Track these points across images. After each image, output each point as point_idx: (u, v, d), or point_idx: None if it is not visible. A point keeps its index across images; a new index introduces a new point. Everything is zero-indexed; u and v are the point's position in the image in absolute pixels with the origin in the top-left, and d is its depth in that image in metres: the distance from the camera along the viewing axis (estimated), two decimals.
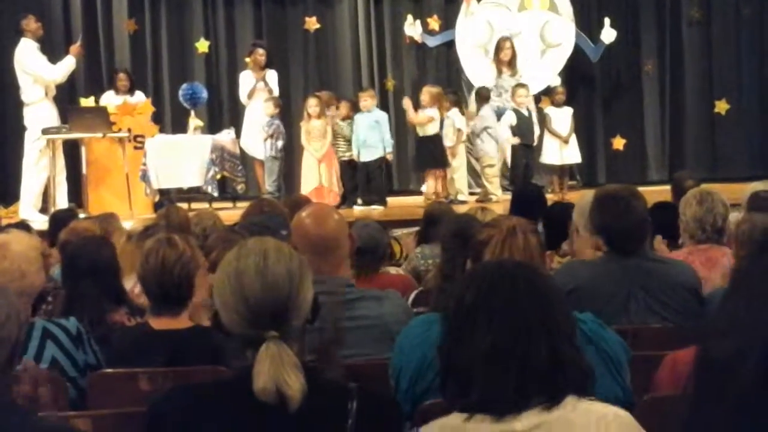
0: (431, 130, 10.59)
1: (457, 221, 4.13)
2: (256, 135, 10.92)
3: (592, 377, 1.95)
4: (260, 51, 11.20)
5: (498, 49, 11.27)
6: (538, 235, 2.85)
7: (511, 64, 11.20)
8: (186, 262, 3.33)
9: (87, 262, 3.85)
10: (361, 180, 10.65)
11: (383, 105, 11.61)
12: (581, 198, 4.36)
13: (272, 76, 11.18)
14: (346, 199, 10.66)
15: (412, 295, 4.18)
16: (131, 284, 4.14)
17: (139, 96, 11.09)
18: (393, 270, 5.17)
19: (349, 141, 10.67)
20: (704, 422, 1.14)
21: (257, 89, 11.00)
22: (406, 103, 10.87)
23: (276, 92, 11.07)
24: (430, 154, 10.62)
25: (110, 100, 10.90)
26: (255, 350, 2.03)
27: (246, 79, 11.17)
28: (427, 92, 10.76)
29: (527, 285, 1.94)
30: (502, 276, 1.96)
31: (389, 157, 10.77)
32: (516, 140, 10.76)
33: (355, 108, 10.76)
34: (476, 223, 4.02)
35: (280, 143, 10.70)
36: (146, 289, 3.41)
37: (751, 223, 4.13)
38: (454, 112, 10.71)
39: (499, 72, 11.19)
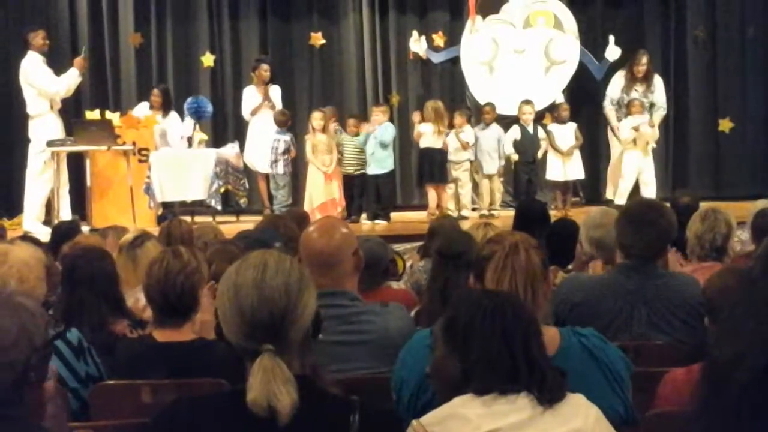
0: (430, 144, 10.61)
1: (447, 239, 4.12)
2: (261, 149, 10.97)
3: (565, 377, 2.29)
4: (264, 66, 11.26)
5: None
6: (541, 251, 2.86)
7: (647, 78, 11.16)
8: (190, 273, 3.33)
9: (86, 271, 3.86)
10: (369, 193, 10.69)
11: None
12: (588, 214, 4.41)
13: (275, 91, 11.25)
14: (351, 214, 10.69)
15: (412, 313, 4.17)
16: (131, 300, 4.14)
17: (173, 117, 11.17)
18: (395, 285, 5.16)
19: (354, 156, 10.71)
20: (706, 424, 1.19)
21: (262, 105, 11.06)
22: (417, 117, 10.95)
23: (279, 107, 11.12)
24: (428, 168, 10.64)
25: (143, 112, 10.97)
26: (253, 363, 2.03)
27: (249, 95, 11.24)
28: (424, 108, 10.84)
29: (509, 304, 2.34)
30: (488, 300, 2.34)
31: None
32: (515, 156, 10.84)
33: (361, 123, 10.82)
34: (468, 242, 4.02)
35: (288, 157, 10.83)
36: (150, 300, 3.40)
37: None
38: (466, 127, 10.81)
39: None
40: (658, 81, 11.22)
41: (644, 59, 11.07)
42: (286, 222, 5.66)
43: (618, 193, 10.95)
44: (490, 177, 10.99)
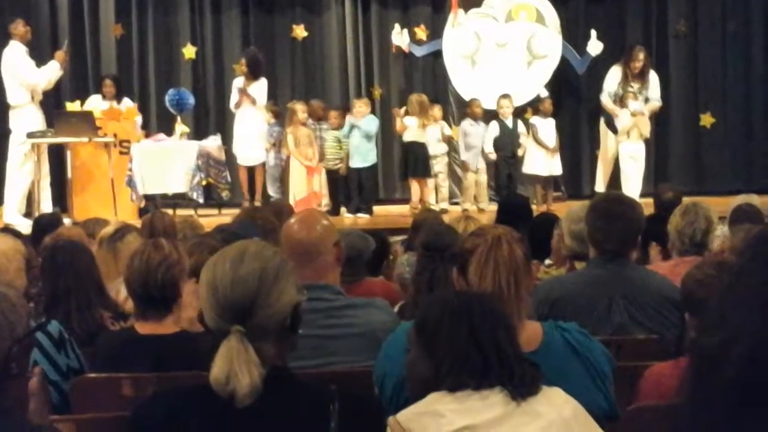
0: (413, 137, 10.61)
1: (431, 232, 4.12)
2: (242, 142, 10.96)
3: (539, 370, 2.31)
4: (242, 60, 11.25)
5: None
6: (524, 244, 2.86)
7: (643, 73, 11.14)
8: (170, 265, 3.33)
9: (67, 260, 3.84)
10: (352, 186, 10.68)
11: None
12: (571, 208, 4.43)
13: (257, 85, 11.13)
14: (334, 208, 10.69)
15: (397, 307, 4.17)
16: (113, 292, 4.12)
17: (127, 103, 11.08)
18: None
19: (337, 150, 10.71)
20: (694, 417, 1.19)
21: (242, 99, 11.02)
22: (397, 112, 10.93)
23: (259, 102, 11.04)
24: (412, 162, 10.66)
25: (96, 104, 10.88)
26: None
27: (234, 87, 11.19)
28: (408, 101, 10.85)
29: (477, 303, 2.36)
30: (458, 300, 2.38)
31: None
32: (493, 156, 10.83)
33: (343, 117, 10.82)
34: (452, 235, 4.03)
35: (279, 147, 10.83)
36: (131, 292, 3.40)
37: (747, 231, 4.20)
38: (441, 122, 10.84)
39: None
40: (653, 77, 11.22)
41: (641, 55, 11.04)
42: (264, 214, 5.66)
43: (625, 186, 10.86)
44: (477, 171, 10.99)
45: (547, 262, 4.95)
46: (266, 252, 2.17)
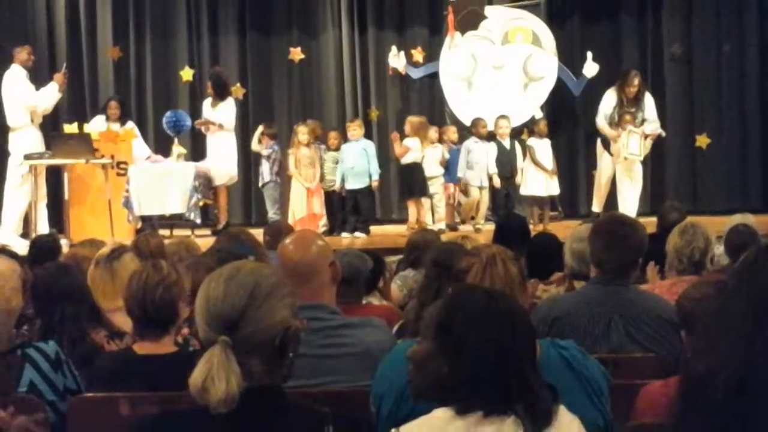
0: (412, 159, 10.64)
1: (442, 249, 4.14)
2: (217, 164, 10.91)
3: (556, 394, 2.18)
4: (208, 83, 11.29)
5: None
6: (519, 263, 2.87)
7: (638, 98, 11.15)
8: (169, 285, 3.34)
9: (62, 284, 3.85)
10: (348, 207, 10.70)
11: (367, 135, 11.63)
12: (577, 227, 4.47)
13: (224, 106, 10.93)
14: (334, 229, 10.70)
15: (395, 327, 4.17)
16: (113, 314, 4.11)
17: (130, 125, 11.10)
18: (376, 301, 5.16)
19: (334, 170, 10.75)
20: None
21: (206, 125, 10.98)
22: (395, 136, 10.95)
23: (228, 122, 10.89)
24: (410, 182, 10.67)
25: (95, 126, 10.90)
26: None
27: (204, 110, 11.15)
28: (408, 122, 10.87)
29: (508, 316, 2.17)
30: (489, 305, 2.18)
31: (375, 184, 10.82)
32: (497, 179, 10.85)
33: (343, 138, 10.85)
34: (461, 252, 4.05)
35: (276, 168, 10.79)
36: (129, 312, 3.41)
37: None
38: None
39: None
40: (648, 100, 11.24)
41: (636, 80, 11.06)
42: (249, 235, 5.67)
43: (622, 206, 10.88)
44: (480, 190, 10.99)
45: (551, 279, 4.94)
46: (263, 271, 2.18)
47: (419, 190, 10.69)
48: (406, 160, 10.69)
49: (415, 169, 10.64)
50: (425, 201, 10.82)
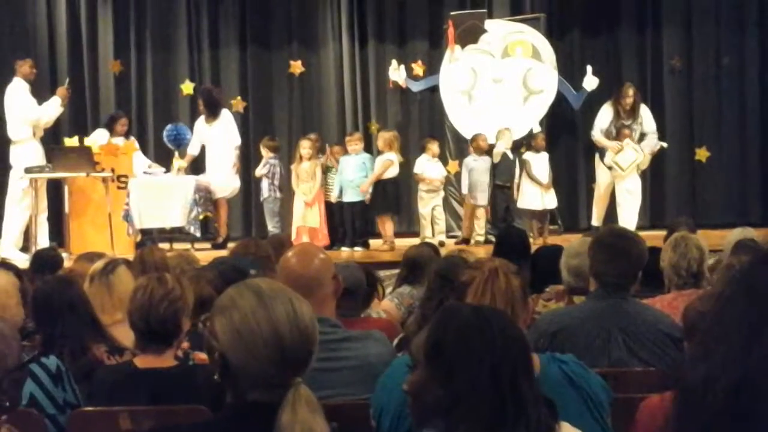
0: (388, 174, 10.54)
1: (445, 262, 4.15)
2: (216, 178, 10.93)
3: (555, 408, 2.13)
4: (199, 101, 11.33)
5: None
6: (521, 277, 2.87)
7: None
8: (173, 299, 3.34)
9: (64, 298, 3.84)
10: (347, 219, 10.68)
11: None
12: (570, 243, 4.45)
13: (219, 123, 10.94)
14: (335, 243, 10.68)
15: (396, 341, 4.17)
16: (113, 328, 4.10)
17: (131, 140, 11.18)
18: (374, 314, 5.15)
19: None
20: None
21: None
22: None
23: (231, 135, 10.92)
24: (384, 198, 10.57)
25: (95, 139, 10.91)
26: (269, 393, 2.01)
27: (196, 130, 11.18)
28: (380, 137, 10.86)
29: (499, 332, 2.10)
30: (479, 323, 2.12)
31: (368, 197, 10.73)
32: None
33: (344, 151, 10.86)
34: (465, 265, 4.05)
35: (277, 182, 10.79)
36: (133, 325, 3.41)
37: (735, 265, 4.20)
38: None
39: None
40: (645, 111, 11.29)
41: (630, 92, 11.13)
42: (261, 247, 5.67)
43: (621, 219, 10.91)
44: (480, 207, 11.00)
45: (547, 290, 4.93)
46: (299, 296, 2.15)
47: (395, 206, 10.71)
48: (390, 174, 10.58)
49: (388, 184, 10.50)
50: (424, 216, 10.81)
